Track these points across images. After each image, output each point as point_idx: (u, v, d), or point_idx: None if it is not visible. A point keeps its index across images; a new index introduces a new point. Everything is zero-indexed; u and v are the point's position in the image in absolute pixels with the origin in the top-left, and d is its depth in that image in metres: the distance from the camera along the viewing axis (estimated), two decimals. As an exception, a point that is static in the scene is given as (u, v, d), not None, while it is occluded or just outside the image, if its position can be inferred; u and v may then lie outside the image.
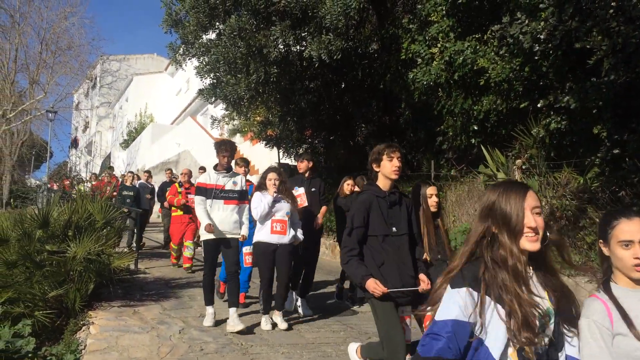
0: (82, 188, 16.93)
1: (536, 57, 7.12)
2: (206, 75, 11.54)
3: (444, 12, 9.10)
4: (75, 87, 31.95)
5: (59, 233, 6.61)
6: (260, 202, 5.65)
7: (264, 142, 14.65)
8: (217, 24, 10.62)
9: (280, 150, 14.80)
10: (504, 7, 8.31)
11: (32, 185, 32.65)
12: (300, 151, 13.96)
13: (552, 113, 7.37)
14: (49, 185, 22.91)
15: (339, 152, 13.22)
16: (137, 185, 12.71)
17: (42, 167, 41.69)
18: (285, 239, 5.68)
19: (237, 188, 5.90)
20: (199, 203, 5.72)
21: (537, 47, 6.92)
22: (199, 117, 29.31)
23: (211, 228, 5.55)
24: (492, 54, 8.14)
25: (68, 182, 21.81)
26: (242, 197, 5.94)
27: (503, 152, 8.43)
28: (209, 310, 5.91)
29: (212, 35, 11.26)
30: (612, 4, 5.87)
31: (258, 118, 16.27)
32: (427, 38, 9.32)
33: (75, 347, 5.30)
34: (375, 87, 11.71)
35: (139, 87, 39.43)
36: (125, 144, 37.76)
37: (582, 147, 7.43)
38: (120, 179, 15.54)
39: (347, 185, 7.05)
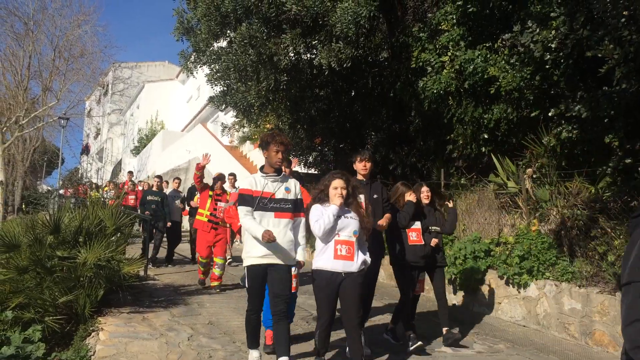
0: (96, 194, 16.99)
1: (547, 66, 7.10)
2: (217, 83, 11.61)
3: (454, 20, 9.10)
4: (88, 94, 32.25)
5: (70, 239, 6.65)
6: (321, 214, 4.40)
7: (274, 149, 14.65)
8: (228, 32, 10.69)
9: (290, 158, 14.80)
10: (514, 15, 8.29)
11: (43, 191, 32.94)
12: (310, 159, 13.98)
13: (563, 122, 7.32)
14: (62, 192, 23.07)
15: (348, 160, 13.20)
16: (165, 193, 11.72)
17: (54, 173, 42.09)
18: (354, 265, 4.37)
19: (291, 196, 4.54)
20: (244, 214, 4.36)
21: (548, 56, 6.90)
22: (209, 125, 29.44)
23: (272, 235, 4.15)
24: (503, 62, 8.12)
25: (82, 188, 21.89)
26: (297, 207, 4.58)
27: (513, 161, 8.39)
28: (254, 354, 4.65)
29: (223, 43, 11.32)
30: (624, 12, 5.84)
31: (268, 125, 16.32)
32: (437, 46, 9.32)
33: (84, 353, 5.32)
34: (385, 95, 11.71)
35: (150, 95, 39.71)
36: (136, 151, 37.99)
37: (594, 157, 7.38)
38: (131, 185, 15.44)
39: (424, 193, 6.15)
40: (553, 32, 6.76)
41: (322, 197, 4.51)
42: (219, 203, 8.60)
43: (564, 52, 6.76)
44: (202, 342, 5.49)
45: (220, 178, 9.12)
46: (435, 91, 8.88)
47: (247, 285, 4.52)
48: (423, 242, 5.80)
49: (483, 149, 8.98)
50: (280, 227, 4.40)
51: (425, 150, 11.93)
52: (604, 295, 5.98)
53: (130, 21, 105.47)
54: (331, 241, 4.36)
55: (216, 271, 8.46)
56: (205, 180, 9.12)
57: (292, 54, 10.17)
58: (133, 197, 14.44)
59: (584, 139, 7.20)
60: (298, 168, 14.99)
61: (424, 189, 6.18)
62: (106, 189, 17.95)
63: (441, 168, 10.21)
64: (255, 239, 4.33)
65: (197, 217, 8.81)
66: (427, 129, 11.41)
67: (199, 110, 31.57)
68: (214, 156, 23.99)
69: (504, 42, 8.23)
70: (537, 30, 6.95)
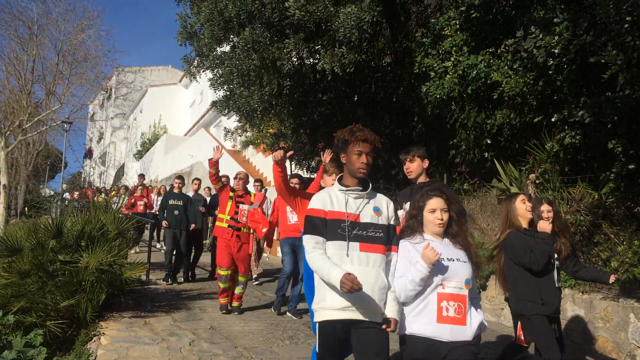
0: (103, 199, 16.87)
1: (550, 72, 7.09)
2: (220, 88, 11.62)
3: (457, 26, 9.10)
4: (91, 99, 32.29)
5: (72, 243, 6.66)
6: (410, 256, 3.02)
7: (277, 154, 14.66)
8: (232, 36, 10.70)
9: (293, 163, 14.82)
10: (517, 21, 8.29)
11: (47, 195, 33.01)
12: (313, 164, 13.97)
13: (566, 127, 7.31)
14: (68, 196, 23.05)
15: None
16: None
17: (57, 177, 42.19)
18: (467, 332, 2.93)
19: (382, 220, 3.09)
20: (313, 247, 2.98)
21: (551, 61, 6.89)
22: (212, 129, 29.49)
23: (356, 282, 2.71)
24: (506, 68, 8.11)
25: (90, 192, 21.84)
26: (390, 237, 3.10)
27: (516, 166, 8.37)
28: None
29: (226, 48, 11.34)
30: (627, 18, 5.83)
31: (271, 130, 16.32)
32: (440, 52, 9.32)
33: (85, 357, 5.32)
34: (388, 100, 11.70)
35: (153, 99, 39.79)
36: (139, 155, 38.06)
37: (597, 162, 7.36)
38: (136, 189, 15.21)
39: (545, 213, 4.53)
40: (556, 37, 6.75)
41: (414, 226, 3.14)
42: (241, 205, 7.35)
43: (567, 57, 6.75)
44: (204, 347, 5.49)
45: (243, 177, 7.77)
46: (438, 96, 8.87)
47: (317, 350, 3.08)
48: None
49: (486, 154, 8.96)
50: (369, 265, 2.94)
51: (428, 155, 11.90)
52: (607, 301, 5.95)
53: (133, 26, 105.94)
54: (432, 294, 2.96)
55: (237, 290, 7.34)
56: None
57: (295, 59, 10.18)
58: (142, 202, 14.10)
59: (587, 144, 7.18)
60: (301, 172, 15.01)
61: (545, 207, 4.55)
62: (113, 193, 17.17)
63: (444, 173, 10.19)
64: (330, 285, 2.90)
65: (217, 223, 7.55)
66: (430, 134, 11.40)
67: (202, 115, 31.63)
68: (216, 160, 23.70)
69: (507, 48, 8.22)
70: (540, 35, 6.94)
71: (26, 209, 26.77)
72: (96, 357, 5.17)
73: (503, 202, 4.69)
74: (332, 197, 3.07)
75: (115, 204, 12.56)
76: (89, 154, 50.11)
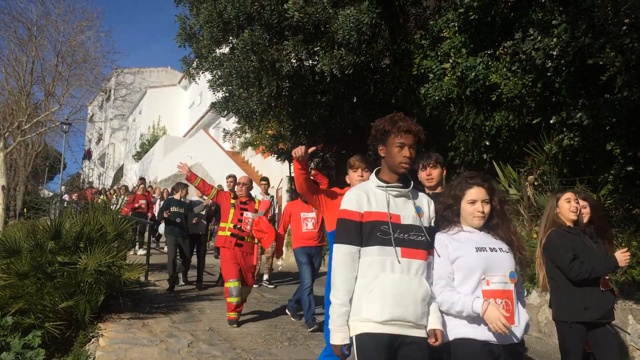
0: (104, 199, 16.74)
1: (549, 73, 7.10)
2: (219, 89, 11.62)
3: (456, 28, 9.12)
4: (90, 100, 32.28)
5: (71, 244, 6.66)
6: (448, 253, 2.73)
7: (276, 155, 14.69)
8: (231, 38, 10.70)
9: (292, 164, 14.82)
10: (516, 23, 8.30)
11: (46, 196, 32.97)
12: (312, 165, 13.98)
13: (564, 129, 7.32)
14: (67, 197, 22.98)
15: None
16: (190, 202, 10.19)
17: (56, 178, 42.15)
18: (517, 332, 2.70)
19: (424, 222, 2.74)
20: (344, 256, 2.62)
21: (550, 63, 6.91)
22: (211, 130, 29.50)
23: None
24: (505, 70, 8.12)
25: (90, 193, 21.72)
26: (431, 241, 2.75)
27: (515, 168, 8.38)
28: None
29: (225, 50, 11.34)
30: (625, 20, 5.85)
31: (270, 131, 16.34)
32: (439, 54, 9.33)
33: (84, 359, 5.32)
34: (387, 101, 11.70)
35: (152, 100, 39.79)
36: (138, 156, 38.05)
37: (595, 164, 7.37)
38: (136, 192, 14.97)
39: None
40: (555, 39, 6.76)
41: (450, 217, 2.82)
42: (245, 213, 6.79)
43: (566, 59, 6.77)
44: (202, 349, 5.48)
45: (246, 183, 7.08)
46: (436, 98, 8.89)
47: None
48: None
49: (485, 156, 8.97)
50: (410, 273, 2.60)
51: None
52: (605, 303, 5.95)
53: (133, 27, 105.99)
54: (476, 292, 2.65)
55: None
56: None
57: (294, 61, 10.19)
58: (144, 201, 13.88)
59: (585, 146, 7.20)
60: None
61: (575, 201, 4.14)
62: (114, 195, 16.72)
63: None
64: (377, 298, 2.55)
65: (220, 232, 6.98)
66: (428, 135, 11.28)
67: (201, 116, 31.64)
68: (216, 162, 23.97)
69: (505, 50, 8.24)
70: (539, 37, 6.95)
71: (25, 210, 26.72)
72: (95, 359, 5.17)
73: (548, 199, 4.34)
74: (370, 195, 2.69)
75: (115, 205, 12.53)
76: (88, 155, 50.08)
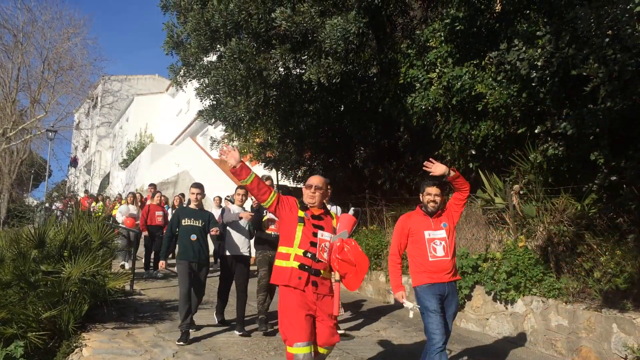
0: (100, 207, 16.27)
1: (533, 84, 7.18)
2: (206, 97, 11.61)
3: (442, 38, 9.20)
4: (76, 107, 32.13)
5: (55, 253, 6.60)
6: None
7: (263, 163, 14.68)
8: (218, 46, 10.72)
9: (279, 172, 14.82)
10: (501, 34, 8.40)
11: (31, 204, 32.61)
12: (300, 173, 13.97)
13: (549, 139, 7.40)
14: (60, 205, 22.62)
15: (337, 175, 13.23)
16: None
17: (41, 186, 41.76)
18: None
19: None
20: None
21: (535, 74, 6.98)
22: (198, 138, 29.41)
23: None
24: (490, 79, 8.20)
25: (87, 199, 21.27)
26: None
27: (501, 177, 8.44)
28: None
29: (212, 58, 11.34)
30: (608, 32, 5.93)
31: (257, 140, 16.33)
32: (425, 63, 9.40)
33: (67, 369, 5.25)
34: (374, 110, 11.77)
35: (139, 107, 39.61)
36: (125, 164, 37.80)
37: (580, 174, 7.44)
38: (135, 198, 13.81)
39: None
40: (539, 50, 6.84)
41: None
42: (320, 233, 4.23)
43: (550, 70, 6.85)
44: (188, 359, 5.44)
45: (321, 186, 4.39)
46: (423, 107, 8.94)
47: None
48: None
49: (471, 165, 9.03)
50: None
51: (413, 165, 11.97)
52: (590, 311, 5.99)
53: (120, 34, 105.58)
54: None
55: None
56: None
57: (282, 69, 10.21)
58: (160, 213, 11.54)
59: (570, 156, 7.27)
60: (287, 182, 15.00)
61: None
62: (123, 202, 14.26)
63: (429, 184, 10.25)
64: None
65: (277, 261, 4.27)
66: (415, 144, 11.47)
67: (189, 124, 31.54)
68: (203, 170, 23.83)
69: (491, 60, 8.31)
70: (524, 48, 7.03)
71: (9, 218, 26.41)
72: (78, 369, 5.11)
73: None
74: None
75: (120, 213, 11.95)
76: (74, 162, 49.66)
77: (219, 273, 7.25)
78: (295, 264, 4.08)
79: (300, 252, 4.10)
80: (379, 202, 10.88)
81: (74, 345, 5.82)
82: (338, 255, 4.16)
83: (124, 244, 11.65)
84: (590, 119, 6.37)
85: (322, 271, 4.13)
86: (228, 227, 6.90)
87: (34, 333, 5.75)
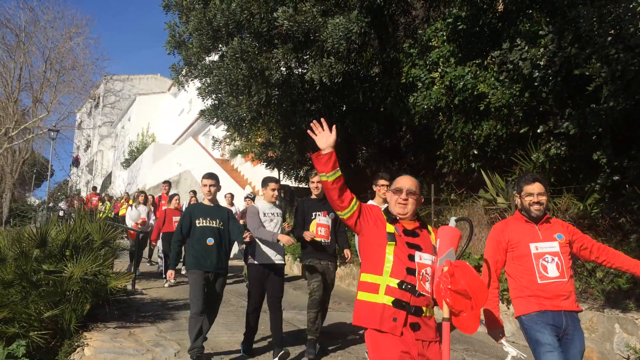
0: (108, 207, 16.09)
1: (536, 83, 7.16)
2: (208, 97, 11.62)
3: (444, 37, 9.19)
4: (78, 107, 32.16)
5: (57, 252, 6.59)
6: None
7: (265, 163, 14.69)
8: (220, 46, 10.72)
9: (281, 172, 14.82)
10: (504, 33, 8.38)
11: (32, 204, 32.66)
12: (301, 173, 13.97)
13: (551, 139, 7.38)
14: (65, 205, 22.58)
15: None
16: None
17: (43, 185, 41.84)
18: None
19: None
20: None
21: (537, 73, 6.97)
22: (200, 138, 29.43)
23: None
24: (492, 79, 8.18)
25: (96, 198, 21.18)
26: None
27: (503, 176, 8.42)
28: None
29: (214, 57, 11.34)
30: (611, 31, 5.92)
31: (259, 139, 16.34)
32: (427, 62, 9.39)
33: (69, 369, 5.25)
34: (376, 110, 11.77)
35: (141, 107, 39.65)
36: (127, 164, 37.84)
37: (582, 173, 7.42)
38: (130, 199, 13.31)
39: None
40: (541, 50, 6.83)
41: None
42: (418, 255, 2.99)
43: (553, 69, 6.83)
44: (189, 358, 5.43)
45: (413, 189, 3.13)
46: (425, 107, 8.93)
47: None
48: None
49: (473, 165, 9.02)
50: None
51: (415, 165, 11.97)
52: (592, 312, 5.98)
53: (122, 34, 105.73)
54: None
55: None
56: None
57: (284, 69, 10.21)
58: (178, 218, 8.53)
59: (572, 155, 7.25)
60: (289, 182, 15.00)
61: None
62: (131, 202, 12.89)
63: (431, 183, 10.23)
64: None
65: (360, 294, 3.02)
66: (417, 144, 11.46)
67: (191, 124, 31.55)
68: (205, 170, 23.97)
69: (493, 59, 8.31)
70: (526, 48, 7.02)
71: (11, 217, 26.46)
72: (79, 369, 5.11)
73: None
74: None
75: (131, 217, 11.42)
76: (76, 162, 49.72)
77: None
78: (388, 300, 2.90)
79: (394, 282, 2.92)
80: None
81: (76, 344, 5.81)
82: (449, 285, 2.90)
83: (132, 244, 11.13)
84: (593, 119, 6.35)
85: (424, 308, 2.93)
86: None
87: (35, 332, 5.75)
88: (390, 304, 2.87)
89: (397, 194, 3.10)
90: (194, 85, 12.27)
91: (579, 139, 6.86)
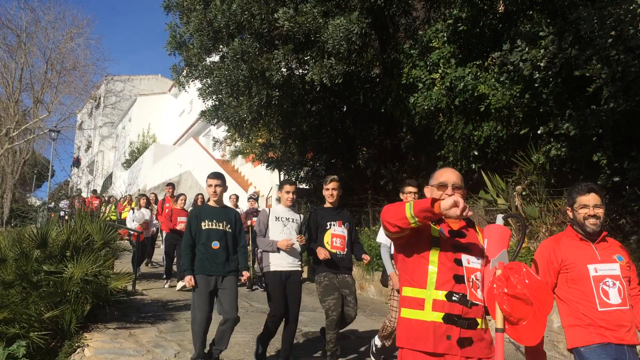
0: (112, 210, 15.97)
1: (536, 84, 7.17)
2: (209, 97, 11.62)
3: (445, 38, 9.19)
4: (79, 107, 32.19)
5: (57, 253, 6.59)
6: None
7: (266, 164, 14.69)
8: (221, 47, 10.73)
9: (282, 173, 14.83)
10: (504, 34, 8.39)
11: (33, 204, 32.68)
12: (302, 174, 13.97)
13: (552, 140, 7.38)
14: (66, 205, 22.54)
15: (340, 175, 13.24)
16: None
17: (44, 186, 41.85)
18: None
19: None
20: None
21: (537, 75, 6.98)
22: (201, 139, 29.46)
23: None
24: (493, 80, 8.19)
25: (97, 202, 21.11)
26: None
27: (503, 178, 8.43)
28: None
29: (215, 58, 11.35)
30: (611, 33, 5.92)
31: (260, 140, 16.34)
32: (428, 63, 9.40)
33: (69, 369, 5.25)
34: (377, 111, 11.78)
35: (142, 108, 39.70)
36: (127, 164, 37.89)
37: (582, 174, 7.43)
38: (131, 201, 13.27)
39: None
40: (542, 51, 6.84)
41: None
42: (465, 258, 2.58)
43: (553, 71, 6.84)
44: (189, 359, 5.43)
45: (457, 182, 2.78)
46: (426, 107, 8.94)
47: None
48: None
49: (473, 166, 9.02)
50: None
51: (416, 166, 11.97)
52: None
53: (123, 34, 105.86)
54: None
55: None
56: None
57: (284, 70, 10.22)
58: (185, 218, 8.61)
59: (572, 156, 7.26)
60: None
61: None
62: (134, 205, 12.39)
63: (432, 184, 10.26)
64: None
65: (404, 311, 2.59)
66: (418, 145, 11.46)
67: (191, 124, 31.59)
68: (205, 171, 23.89)
69: (493, 61, 8.31)
70: (527, 49, 7.03)
71: (12, 218, 26.45)
72: (80, 369, 5.11)
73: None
74: None
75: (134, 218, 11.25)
76: (76, 162, 49.78)
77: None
78: (438, 317, 2.47)
79: (442, 294, 2.49)
80: (382, 203, 10.88)
81: (76, 345, 5.81)
82: (505, 289, 2.54)
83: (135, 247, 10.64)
84: (593, 120, 6.35)
85: (479, 320, 2.54)
86: (271, 232, 5.27)
87: (36, 333, 5.75)
88: (441, 321, 2.46)
89: (441, 189, 2.72)
90: (194, 85, 12.28)
91: (579, 140, 6.87)
